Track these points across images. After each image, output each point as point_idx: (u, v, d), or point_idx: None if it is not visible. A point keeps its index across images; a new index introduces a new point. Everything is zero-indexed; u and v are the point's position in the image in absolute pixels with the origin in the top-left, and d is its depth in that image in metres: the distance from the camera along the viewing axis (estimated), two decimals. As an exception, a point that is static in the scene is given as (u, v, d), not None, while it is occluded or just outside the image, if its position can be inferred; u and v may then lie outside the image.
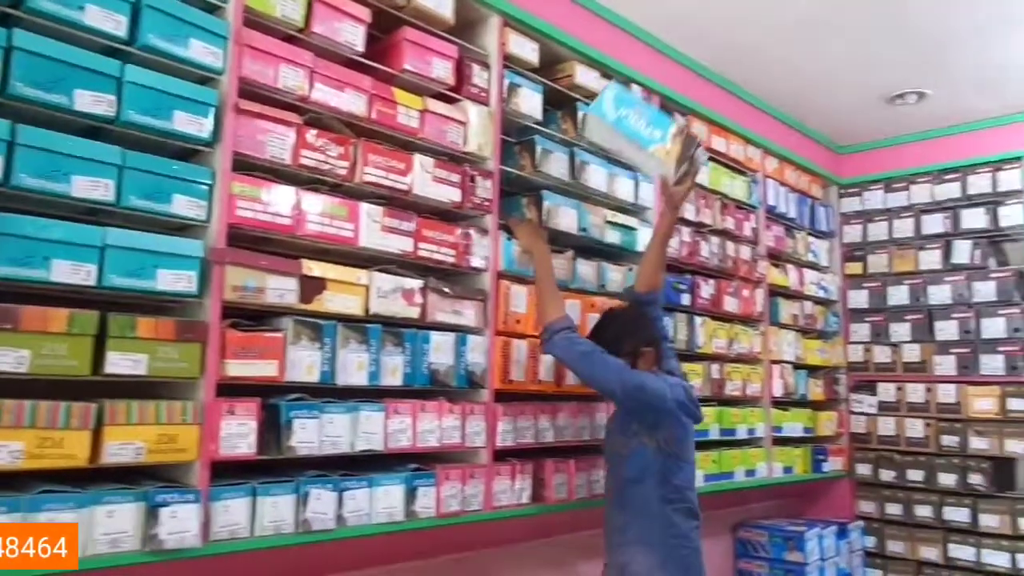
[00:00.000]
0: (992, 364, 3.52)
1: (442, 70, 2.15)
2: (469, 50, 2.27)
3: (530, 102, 2.39)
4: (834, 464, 3.79)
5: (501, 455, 2.25)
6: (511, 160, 2.42)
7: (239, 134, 1.74)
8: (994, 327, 3.52)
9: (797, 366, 3.63)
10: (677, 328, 2.91)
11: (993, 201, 3.63)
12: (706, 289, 3.09)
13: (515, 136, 2.45)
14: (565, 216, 2.47)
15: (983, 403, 3.53)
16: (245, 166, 1.78)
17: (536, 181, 2.44)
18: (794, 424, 3.53)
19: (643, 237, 2.77)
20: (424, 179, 2.08)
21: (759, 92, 3.45)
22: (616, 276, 2.66)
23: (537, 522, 2.56)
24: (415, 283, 2.04)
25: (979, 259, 3.63)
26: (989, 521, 3.46)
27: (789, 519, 3.69)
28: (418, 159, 2.07)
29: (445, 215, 2.20)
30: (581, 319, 2.47)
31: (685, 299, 2.97)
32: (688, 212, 3.02)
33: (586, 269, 2.54)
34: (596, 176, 2.60)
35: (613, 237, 2.65)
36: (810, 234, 3.87)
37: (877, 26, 2.80)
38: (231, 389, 1.70)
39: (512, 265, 2.30)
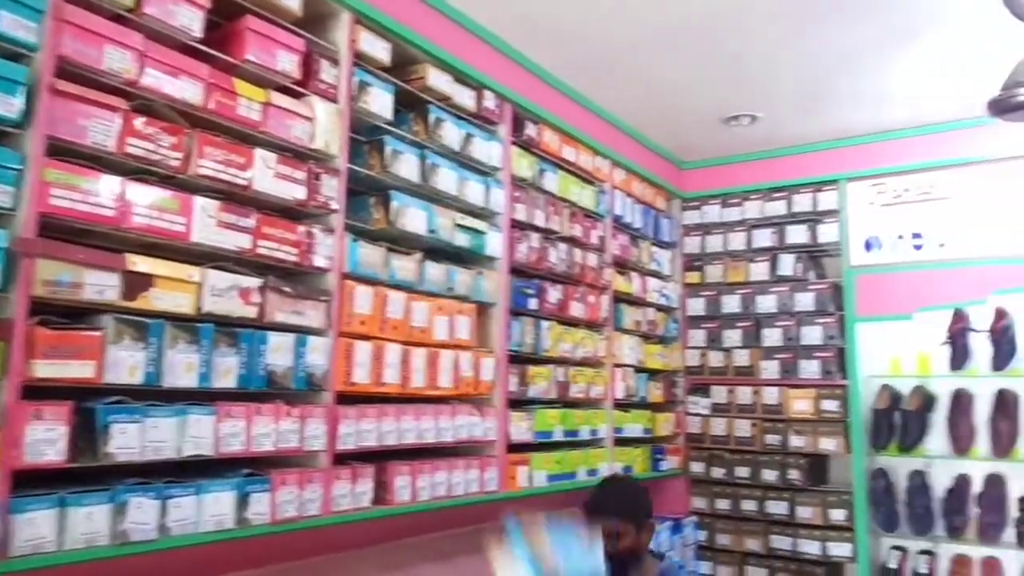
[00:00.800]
0: (809, 368, 3.83)
1: (288, 63, 2.09)
2: (318, 45, 2.22)
3: (380, 101, 2.38)
4: (671, 463, 4.00)
5: (342, 458, 2.21)
6: (360, 159, 2.39)
7: (56, 117, 1.62)
8: (812, 335, 3.83)
9: (638, 369, 3.79)
10: (524, 332, 2.98)
11: (813, 219, 3.95)
12: (553, 294, 3.17)
13: (365, 135, 2.42)
14: (414, 217, 2.46)
15: (801, 404, 3.83)
16: (62, 151, 1.65)
17: (385, 181, 2.42)
18: (634, 425, 3.69)
19: (492, 241, 2.81)
20: (266, 174, 2.02)
21: (609, 105, 3.58)
22: (465, 279, 2.68)
23: (380, 526, 2.53)
24: (253, 282, 1.97)
25: (800, 272, 3.94)
26: (804, 513, 3.76)
27: (628, 516, 3.86)
28: (259, 153, 2.01)
29: (288, 212, 2.14)
30: (429, 321, 2.48)
31: (532, 303, 3.04)
32: (537, 218, 3.10)
33: (435, 271, 2.55)
34: (446, 179, 2.61)
35: (462, 240, 2.67)
36: (654, 244, 4.06)
37: (716, 50, 2.99)
38: (41, 391, 1.57)
39: (358, 267, 2.27)
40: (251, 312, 1.96)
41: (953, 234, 3.62)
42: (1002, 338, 3.43)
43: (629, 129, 3.83)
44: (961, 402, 3.59)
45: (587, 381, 3.34)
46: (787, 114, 3.63)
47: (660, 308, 4.06)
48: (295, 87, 2.14)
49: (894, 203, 3.78)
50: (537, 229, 3.11)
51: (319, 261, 2.15)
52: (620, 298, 3.71)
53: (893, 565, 3.63)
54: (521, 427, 2.91)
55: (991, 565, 3.47)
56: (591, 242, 3.46)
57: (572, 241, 3.34)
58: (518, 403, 2.96)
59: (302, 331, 2.10)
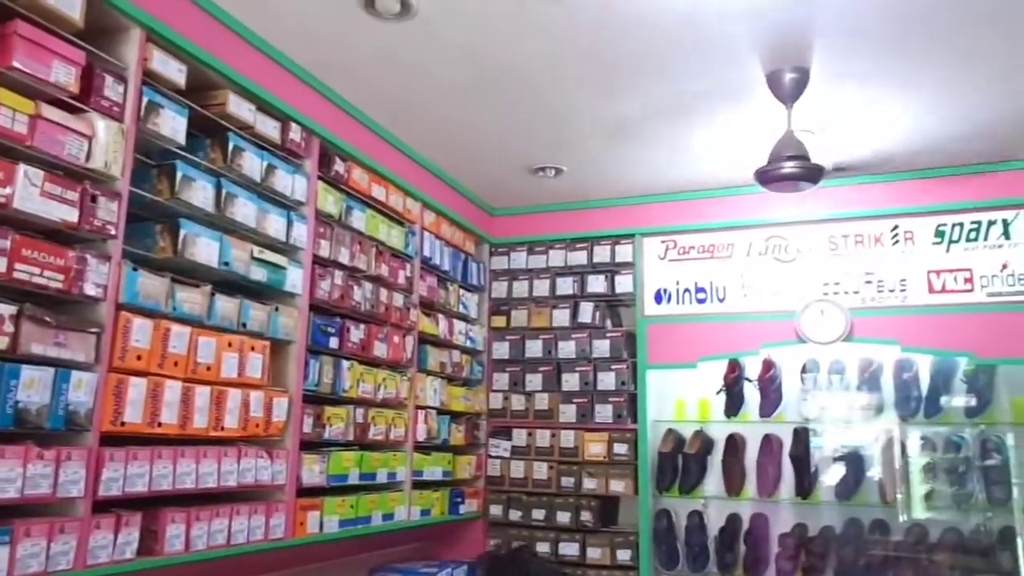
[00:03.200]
0: (604, 413, 4.04)
1: (64, 75, 1.96)
2: (102, 59, 2.11)
3: (172, 124, 2.28)
4: (470, 506, 4.04)
5: (106, 506, 2.05)
6: (147, 183, 2.28)
7: None
8: (607, 380, 4.05)
9: (441, 411, 3.82)
10: (323, 371, 2.93)
11: (611, 270, 4.21)
12: (356, 333, 3.14)
13: (155, 159, 2.31)
14: (205, 248, 2.37)
15: (595, 447, 4.03)
16: None
17: (174, 208, 2.31)
18: (435, 468, 3.70)
19: (292, 277, 2.76)
20: (30, 192, 1.87)
21: (420, 148, 3.65)
22: (260, 315, 2.60)
23: (147, 580, 2.36)
24: (5, 309, 1.80)
25: (599, 320, 4.17)
26: (594, 554, 3.93)
27: (424, 560, 3.84)
28: (23, 169, 1.85)
29: (56, 235, 1.99)
30: (216, 357, 2.38)
31: (333, 342, 3.00)
32: (342, 256, 3.07)
33: (226, 306, 2.46)
34: (244, 210, 2.54)
35: (259, 274, 2.60)
36: (462, 287, 4.14)
37: (523, 101, 3.14)
38: None
39: (137, 298, 2.14)
40: (1, 342, 1.78)
41: (731, 290, 3.99)
42: (769, 387, 3.81)
43: (440, 172, 3.92)
44: (734, 445, 3.93)
45: (387, 423, 3.32)
46: (589, 169, 3.87)
47: (466, 351, 4.13)
48: (72, 101, 2.01)
49: (682, 259, 4.11)
50: (342, 267, 3.09)
51: (89, 289, 2.01)
52: (426, 339, 3.74)
53: (673, 601, 3.87)
54: (314, 470, 2.84)
55: (756, 598, 3.80)
56: (398, 282, 3.47)
57: (378, 280, 3.34)
58: (312, 445, 2.90)
59: (64, 365, 1.94)
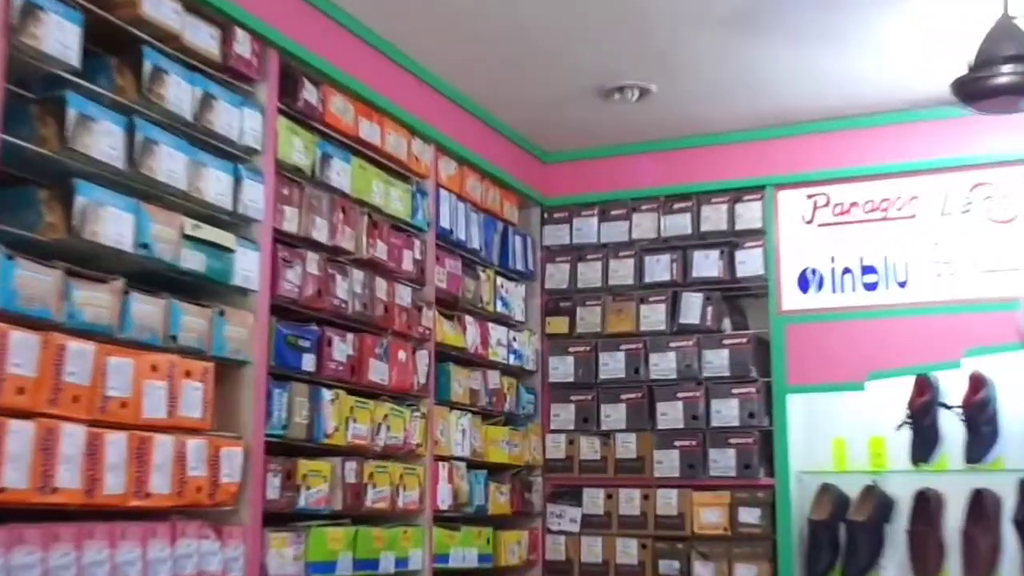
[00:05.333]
0: (723, 462, 3.99)
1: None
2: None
3: (61, 36, 2.28)
4: (521, 607, 4.04)
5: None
6: (23, 128, 2.29)
7: None
8: (726, 412, 4.01)
9: (474, 464, 3.80)
10: (293, 406, 2.93)
11: (730, 241, 4.16)
12: (341, 348, 3.14)
13: (35, 90, 2.32)
14: (114, 223, 2.38)
15: (710, 515, 3.98)
16: None
17: (65, 164, 2.33)
18: (466, 551, 3.69)
19: (244, 264, 2.76)
20: None
21: (432, 61, 3.63)
22: (197, 323, 2.61)
23: None
24: None
25: (712, 319, 4.12)
26: (713, 676, 3.89)
27: None
28: None
29: None
30: (135, 387, 2.38)
31: (308, 362, 3.00)
32: (318, 230, 3.07)
33: (147, 309, 2.47)
34: (170, 163, 2.55)
35: (194, 261, 2.61)
36: (500, 274, 4.11)
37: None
38: None
39: (14, 300, 2.15)
40: None
41: (917, 268, 3.91)
42: (979, 416, 3.73)
43: (463, 99, 3.88)
44: (927, 508, 3.85)
45: (393, 483, 3.31)
46: (693, 87, 3.80)
47: (508, 371, 4.09)
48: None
49: (839, 222, 4.04)
50: (317, 246, 3.08)
51: (-59, 290, 2.02)
52: (448, 355, 3.72)
53: None
54: (285, 556, 2.85)
55: None
56: (403, 268, 3.46)
57: (373, 266, 3.33)
58: (282, 518, 2.90)
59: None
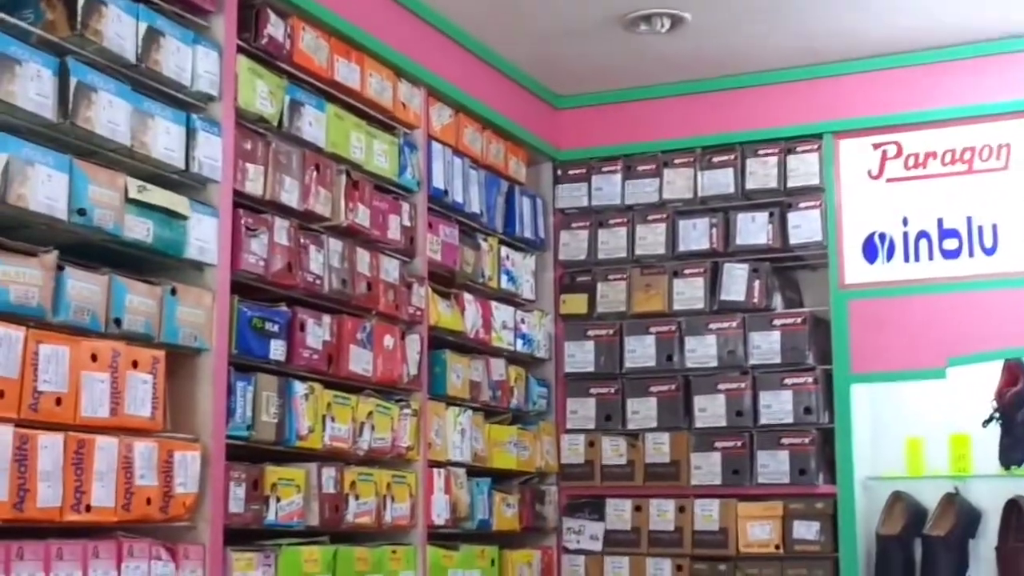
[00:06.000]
0: (774, 466, 4.01)
1: None
2: None
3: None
4: (535, 641, 4.07)
5: None
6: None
7: None
8: (778, 406, 4.03)
9: (475, 471, 3.82)
10: (260, 402, 2.95)
11: (781, 202, 4.18)
12: (316, 332, 3.15)
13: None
14: (44, 185, 2.39)
15: (759, 530, 4.01)
16: None
17: (-17, 114, 2.34)
18: (467, 574, 3.70)
19: (199, 232, 2.77)
20: None
21: (423, -11, 3.64)
22: (145, 303, 2.62)
23: None
24: None
25: (760, 295, 4.14)
26: None
27: None
28: None
29: None
30: (70, 380, 2.41)
31: (276, 349, 3.02)
32: (287, 191, 3.07)
33: (85, 287, 2.48)
34: (111, 113, 2.56)
35: (140, 229, 2.62)
36: (505, 243, 4.12)
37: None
38: None
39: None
40: None
41: (1009, 231, 3.92)
42: (1082, 410, 3.76)
43: (458, 32, 3.88)
44: (1020, 520, 3.86)
45: (379, 493, 3.33)
46: (735, 14, 3.80)
47: (515, 359, 4.11)
48: None
49: (912, 176, 4.05)
50: (286, 212, 3.10)
51: None
52: (443, 340, 3.74)
53: None
54: (252, 580, 2.88)
55: None
56: (388, 238, 3.48)
57: (352, 235, 3.35)
58: (247, 536, 2.92)
59: None
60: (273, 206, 3.06)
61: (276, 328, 3.03)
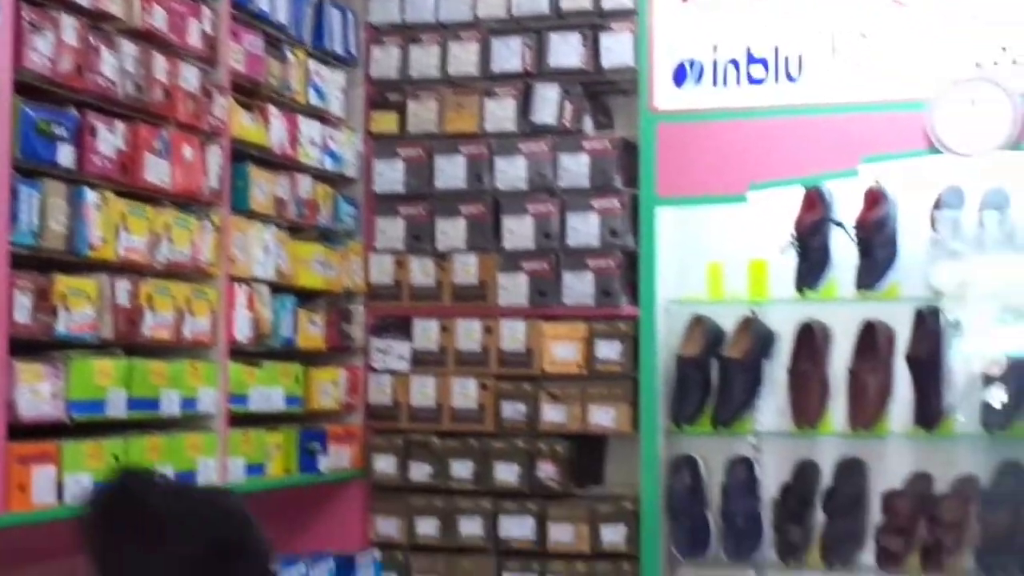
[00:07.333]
0: (579, 288, 4.07)
1: None
2: None
3: None
4: (337, 458, 4.11)
5: None
6: None
7: None
8: (584, 229, 4.07)
9: (280, 288, 3.82)
10: (47, 210, 2.87)
11: (594, 23, 4.15)
12: (108, 139, 3.07)
13: None
14: None
15: (562, 350, 4.08)
16: None
17: None
18: (270, 391, 3.74)
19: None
20: None
21: None
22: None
23: None
24: None
25: (571, 118, 4.14)
26: (561, 535, 4.04)
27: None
28: None
29: None
30: None
31: (65, 155, 2.93)
32: (76, -10, 2.96)
33: None
34: None
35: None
36: (313, 56, 4.05)
37: None
38: None
39: None
40: None
41: (812, 60, 3.96)
42: (875, 237, 3.87)
43: None
44: (811, 343, 4.02)
45: (178, 307, 3.31)
46: None
47: (323, 176, 4.08)
48: None
49: (724, 3, 4.04)
50: (74, 9, 2.98)
51: None
52: (246, 153, 3.69)
53: (696, 613, 4.05)
54: (41, 393, 2.83)
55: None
56: (188, 44, 3.39)
57: (148, 39, 3.25)
58: (35, 347, 2.88)
59: None
60: (59, 2, 2.94)
61: (64, 133, 2.93)
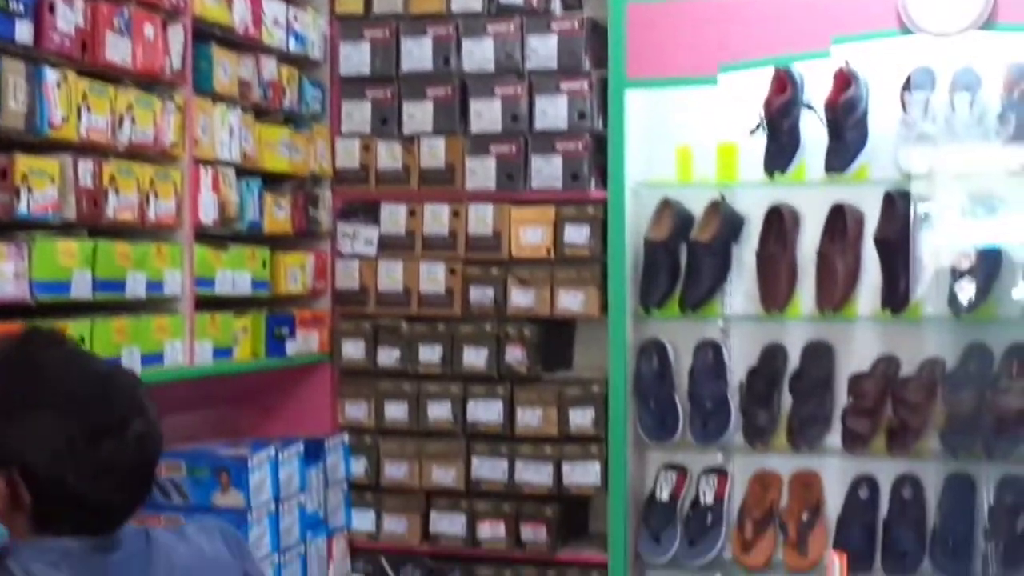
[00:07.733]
0: (547, 171, 4.06)
1: None
2: None
3: None
4: (305, 342, 4.11)
5: None
6: None
7: None
8: (554, 111, 4.05)
9: (245, 172, 3.79)
10: (5, 86, 2.79)
11: None
12: (68, 16, 3.00)
13: None
14: None
15: (531, 234, 4.09)
16: None
17: None
18: (236, 274, 3.72)
19: None
20: None
21: None
22: None
23: None
24: None
25: (539, -1, 4.11)
26: (529, 419, 4.08)
27: (225, 439, 3.93)
28: None
29: None
30: None
31: (22, 31, 2.86)
32: None
33: None
34: None
35: None
36: (276, -68, 3.98)
37: None
38: None
39: None
40: None
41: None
42: (845, 119, 3.86)
43: None
44: (780, 226, 4.04)
45: (141, 190, 3.27)
46: None
47: (287, 58, 4.03)
48: None
49: None
50: None
51: None
52: (208, 33, 3.62)
53: (664, 494, 4.09)
54: (4, 272, 2.80)
55: (805, 482, 4.04)
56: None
57: (106, -90, 3.17)
58: (-3, 228, 2.86)
59: None
60: None
61: (20, 7, 2.85)
